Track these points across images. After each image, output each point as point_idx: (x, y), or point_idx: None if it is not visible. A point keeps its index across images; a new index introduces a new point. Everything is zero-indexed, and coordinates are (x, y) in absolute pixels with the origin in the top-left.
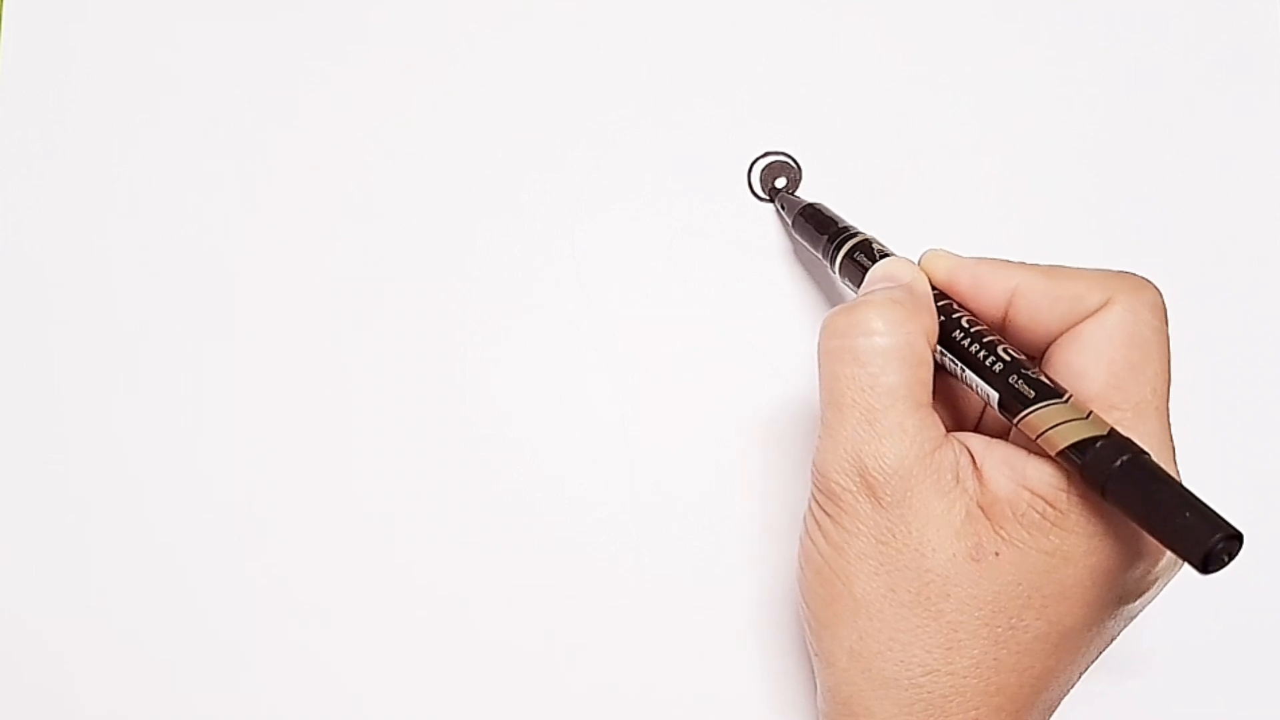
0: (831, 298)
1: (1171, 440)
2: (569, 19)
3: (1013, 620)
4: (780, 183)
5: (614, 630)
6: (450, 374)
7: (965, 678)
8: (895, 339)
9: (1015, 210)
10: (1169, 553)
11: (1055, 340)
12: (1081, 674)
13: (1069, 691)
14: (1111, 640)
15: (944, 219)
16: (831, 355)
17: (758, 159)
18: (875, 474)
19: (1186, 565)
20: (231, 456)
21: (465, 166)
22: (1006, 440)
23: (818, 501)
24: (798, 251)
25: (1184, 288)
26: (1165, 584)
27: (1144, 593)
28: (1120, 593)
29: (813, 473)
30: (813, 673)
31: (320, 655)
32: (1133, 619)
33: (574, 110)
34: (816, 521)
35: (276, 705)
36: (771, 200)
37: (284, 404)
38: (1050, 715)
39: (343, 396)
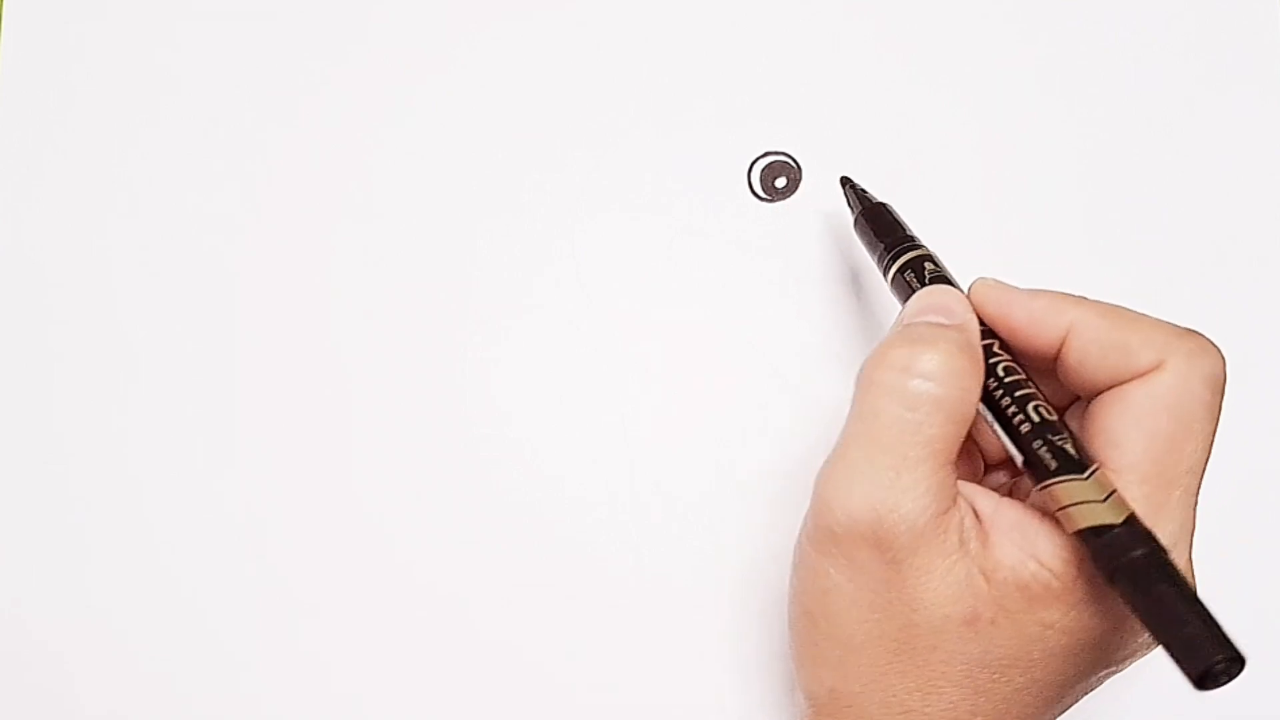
0: (832, 297)
1: (1194, 522)
2: (569, 19)
3: (995, 675)
4: (780, 183)
5: (613, 630)
6: (450, 374)
7: (941, 719)
8: (951, 391)
9: (1015, 210)
10: None
11: (1101, 393)
12: (1058, 717)
13: None
14: (1089, 692)
15: (944, 219)
16: (879, 388)
17: (758, 159)
18: (888, 528)
19: None
20: (231, 456)
21: (465, 166)
22: (1017, 495)
23: (813, 539)
24: (799, 252)
25: (1184, 288)
26: (1154, 648)
27: (1131, 656)
28: (1109, 658)
29: (814, 505)
30: None
31: (320, 655)
32: (1115, 675)
33: (574, 110)
34: (804, 560)
35: (276, 705)
36: (846, 189)
37: (284, 404)
38: None
39: (343, 396)
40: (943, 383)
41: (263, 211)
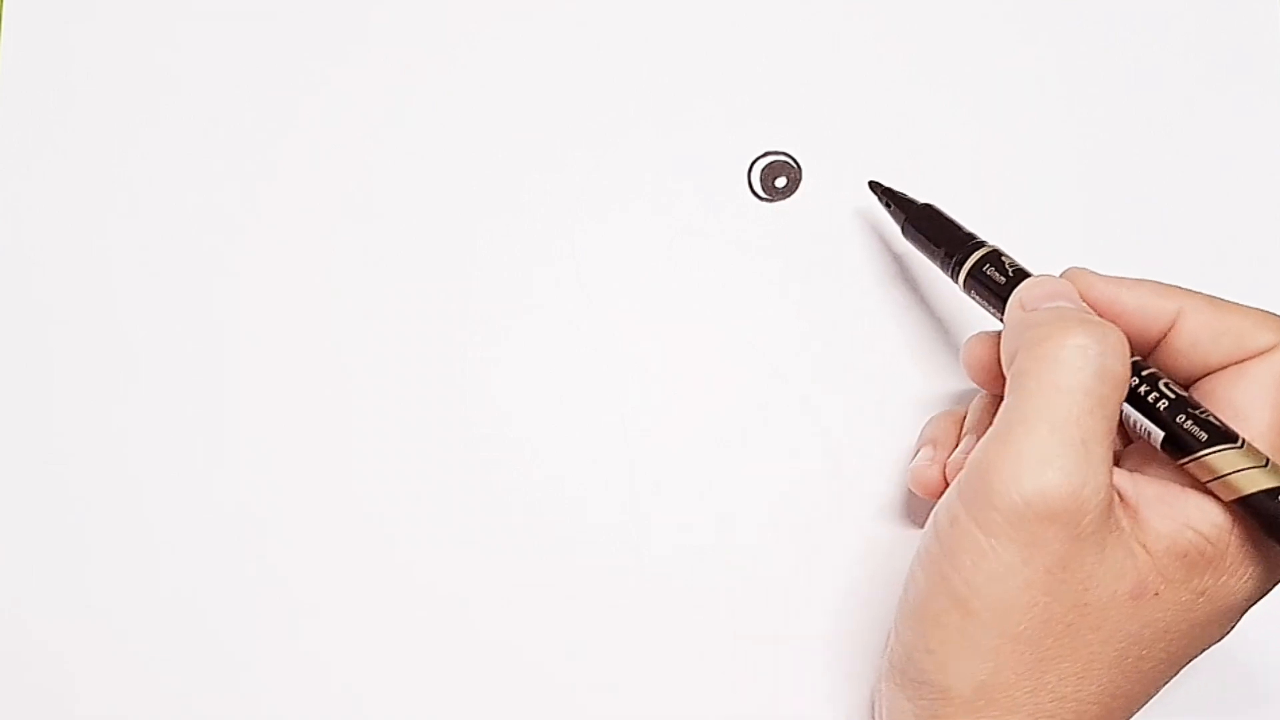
0: (832, 297)
1: None
2: (569, 19)
3: (1143, 652)
4: (780, 183)
5: (614, 630)
6: (450, 374)
7: (1089, 703)
8: (1125, 369)
9: (1015, 210)
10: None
11: (1214, 373)
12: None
13: None
14: None
15: None
16: (1066, 366)
17: (758, 159)
18: (1084, 500)
19: None
20: (231, 456)
21: (465, 166)
22: (1149, 477)
23: (979, 522)
24: (799, 252)
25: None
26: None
27: (1228, 633)
28: (1223, 631)
29: (984, 489)
30: (814, 671)
31: (320, 655)
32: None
33: (574, 110)
34: (966, 545)
35: (276, 705)
36: (881, 197)
37: (284, 404)
38: None
39: (343, 396)
40: (1123, 361)
41: (263, 211)
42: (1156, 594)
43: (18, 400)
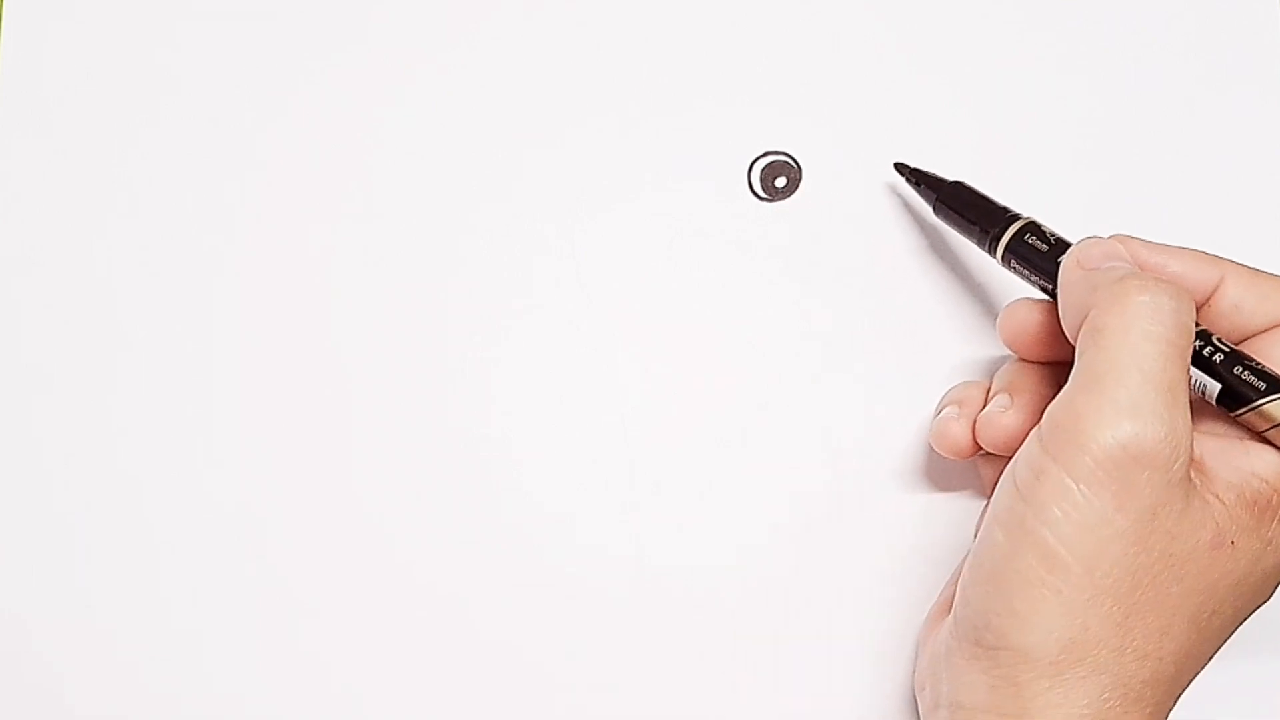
0: (833, 297)
1: None
2: (568, 18)
3: (1215, 607)
4: (780, 183)
5: (614, 630)
6: (450, 374)
7: (1166, 663)
8: (1194, 323)
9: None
10: None
11: (1256, 335)
12: None
13: None
14: None
15: None
16: (1148, 316)
17: (758, 159)
18: (1175, 445)
19: None
20: (230, 456)
21: (465, 166)
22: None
23: (1070, 469)
24: (799, 252)
25: None
26: None
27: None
28: (1271, 588)
29: (1083, 434)
30: (814, 671)
31: (320, 655)
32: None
33: (574, 110)
34: (1056, 496)
35: (276, 706)
36: (909, 178)
37: (283, 404)
38: None
39: (342, 396)
40: (1193, 316)
41: (262, 212)
42: (1233, 543)
43: (17, 400)
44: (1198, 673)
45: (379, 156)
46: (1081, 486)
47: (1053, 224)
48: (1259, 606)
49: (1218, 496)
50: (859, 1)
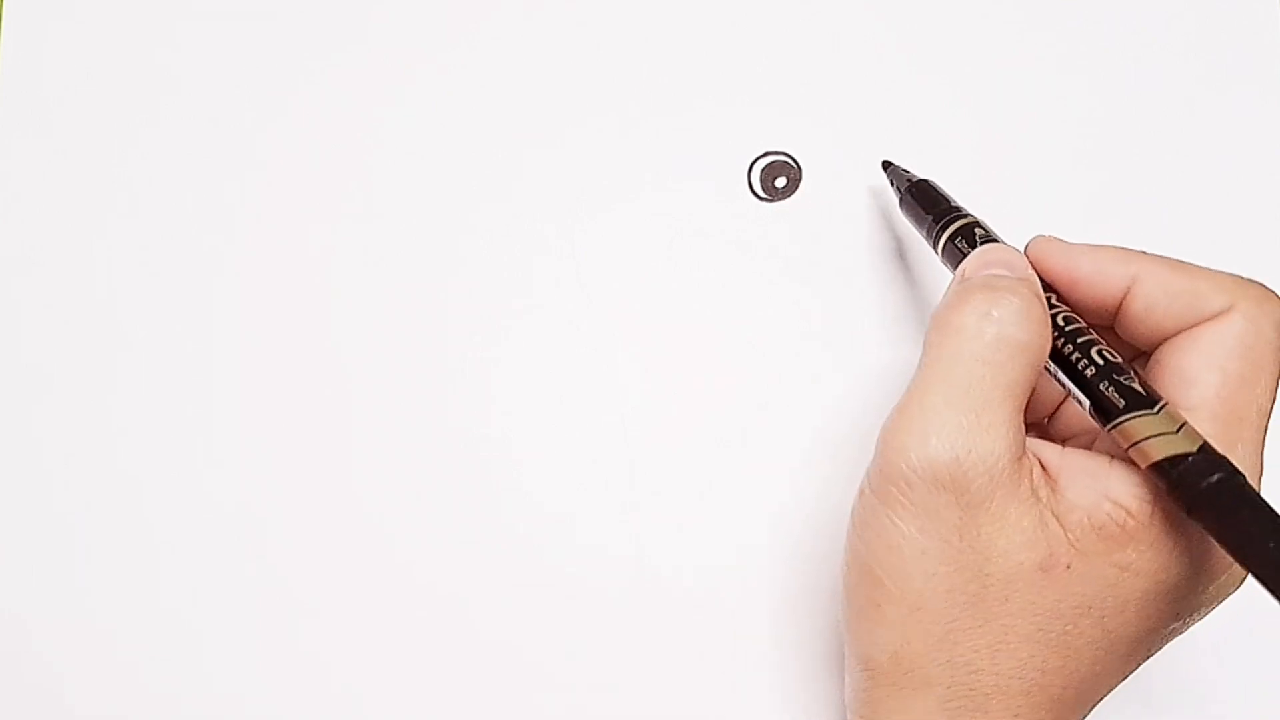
0: (833, 297)
1: (1262, 463)
2: (568, 18)
3: (1067, 626)
4: (780, 183)
5: (614, 631)
6: (450, 374)
7: (1010, 678)
8: (1030, 334)
9: (1015, 211)
10: (1231, 573)
11: (1169, 339)
12: (1123, 679)
13: (1108, 694)
14: (1156, 651)
15: None
16: (961, 334)
17: (758, 159)
18: (967, 469)
19: (1248, 582)
20: (230, 456)
21: (465, 166)
22: (1084, 444)
23: (877, 491)
24: (799, 252)
25: None
26: (1219, 604)
27: (1198, 609)
28: (1178, 608)
29: (883, 457)
30: (814, 671)
31: (319, 655)
32: (1180, 634)
33: (574, 110)
34: (869, 515)
35: (276, 706)
36: (886, 173)
37: (284, 404)
38: (1087, 714)
39: (342, 396)
40: (1024, 328)
41: (262, 212)
42: (1068, 566)
43: (17, 400)
44: (1087, 690)
45: (379, 156)
46: (886, 509)
47: (1053, 224)
48: (1172, 628)
49: (1058, 518)
50: (859, 2)
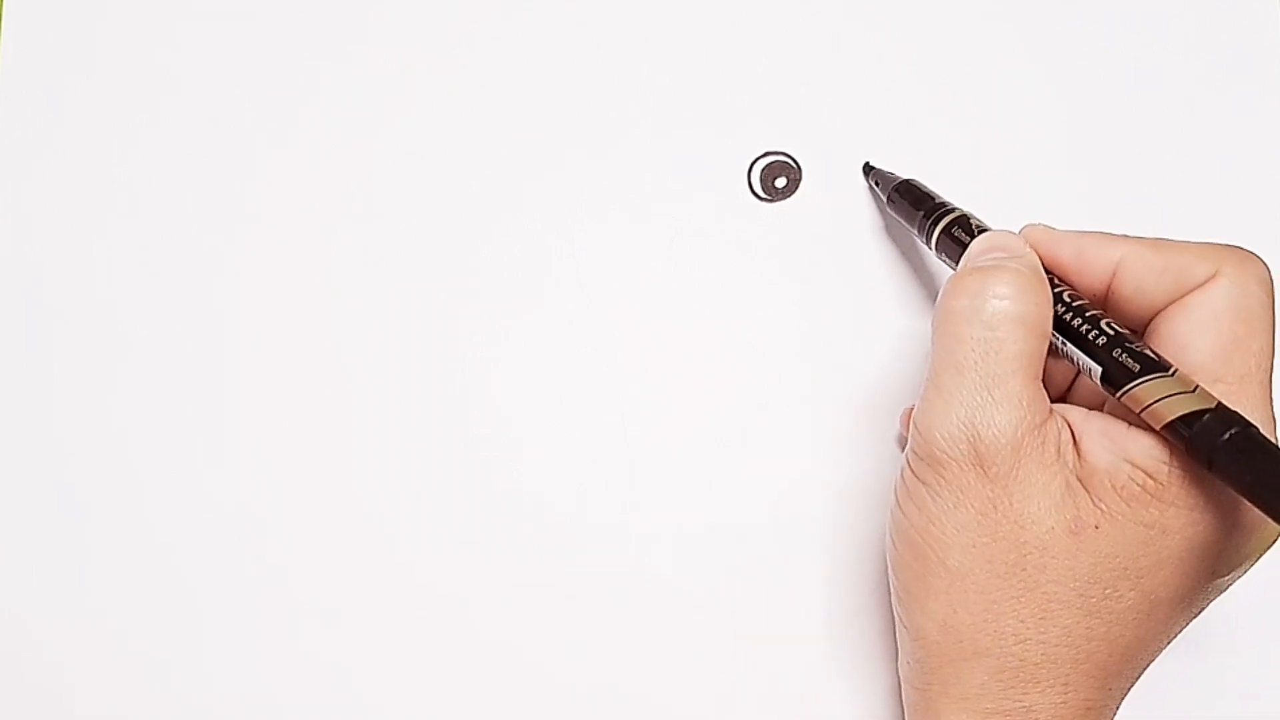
0: (832, 297)
1: (1273, 414)
2: (569, 19)
3: (1107, 591)
4: (780, 183)
5: (614, 630)
6: (450, 374)
7: (1057, 646)
8: (1026, 306)
9: (1015, 211)
10: (1266, 527)
11: (1160, 313)
12: (1169, 643)
13: (1154, 660)
14: (1200, 612)
15: None
16: (958, 315)
17: (758, 159)
18: (988, 443)
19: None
20: (231, 456)
21: (465, 167)
22: (1102, 412)
23: (915, 470)
24: (799, 252)
25: None
26: (1258, 559)
27: (1237, 566)
28: (1214, 565)
29: (914, 439)
30: (814, 670)
31: (320, 656)
32: (1222, 592)
33: (574, 110)
34: (910, 492)
35: (276, 705)
36: (867, 177)
37: (284, 404)
38: (1134, 682)
39: (343, 397)
40: (1017, 299)
41: (263, 212)
42: (1097, 527)
43: (18, 400)
44: (1133, 656)
45: (379, 157)
46: (924, 485)
47: (1053, 223)
48: (1210, 588)
49: (1081, 481)
50: (859, 3)
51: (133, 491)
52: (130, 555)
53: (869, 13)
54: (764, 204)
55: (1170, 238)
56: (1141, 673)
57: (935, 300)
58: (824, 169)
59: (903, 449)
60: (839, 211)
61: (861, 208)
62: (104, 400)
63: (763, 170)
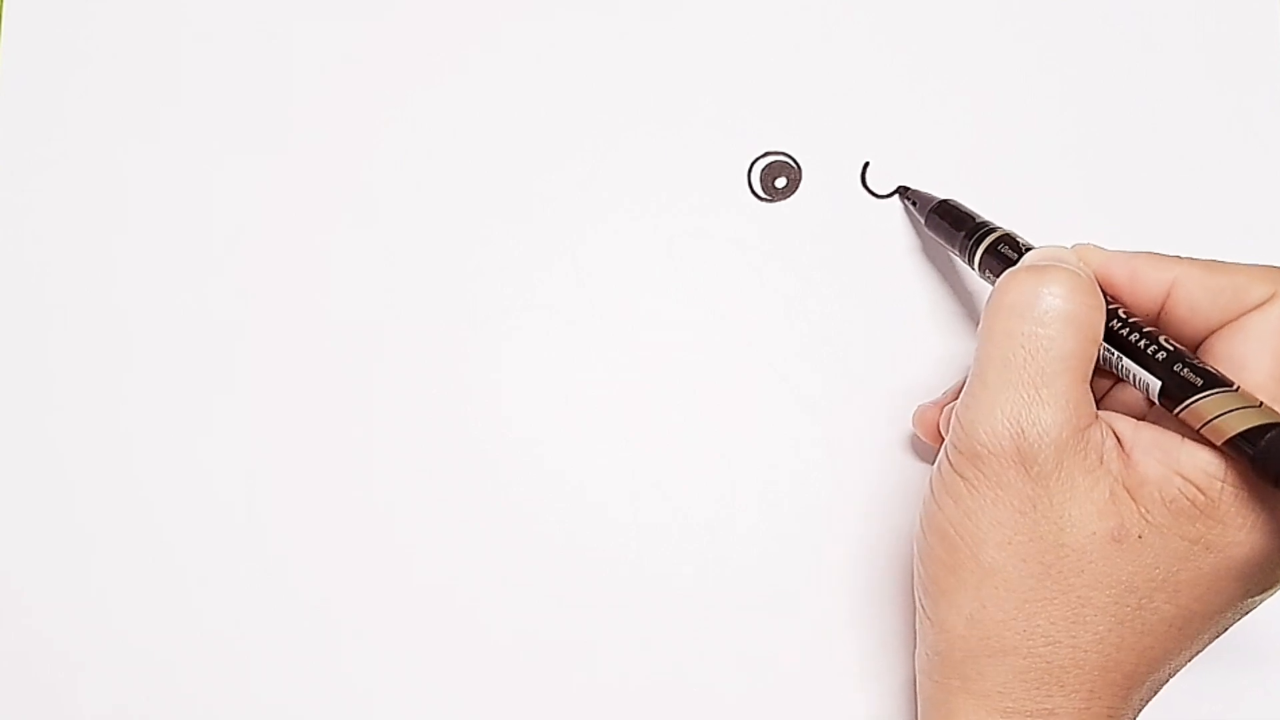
0: (832, 298)
1: None
2: (570, 21)
3: (1142, 601)
4: (780, 183)
5: (614, 630)
6: (452, 374)
7: (1086, 651)
8: (1078, 307)
9: (1015, 211)
10: None
11: (1214, 332)
12: (1192, 659)
13: (1177, 674)
14: (1226, 629)
15: None
16: (1010, 311)
17: (758, 159)
18: (1032, 441)
19: None
20: (235, 456)
21: (467, 167)
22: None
23: (953, 463)
24: (799, 252)
25: None
26: None
27: (1270, 586)
28: (1250, 585)
29: (955, 432)
30: (814, 670)
31: (324, 655)
32: (1250, 611)
33: (575, 111)
34: (947, 485)
35: (280, 704)
36: (899, 196)
37: (287, 405)
38: (1155, 695)
39: (345, 397)
40: (1070, 299)
41: (265, 213)
42: (1140, 537)
43: (20, 400)
44: (1160, 667)
45: (381, 158)
46: (963, 480)
47: (1052, 224)
48: (1243, 605)
49: (1129, 490)
50: (859, 3)
51: (136, 491)
52: (134, 555)
53: (869, 13)
54: (764, 204)
55: (1176, 240)
56: (1165, 683)
57: (935, 300)
58: (824, 169)
59: (916, 448)
60: (839, 211)
61: (861, 208)
62: (107, 399)
63: (763, 170)
